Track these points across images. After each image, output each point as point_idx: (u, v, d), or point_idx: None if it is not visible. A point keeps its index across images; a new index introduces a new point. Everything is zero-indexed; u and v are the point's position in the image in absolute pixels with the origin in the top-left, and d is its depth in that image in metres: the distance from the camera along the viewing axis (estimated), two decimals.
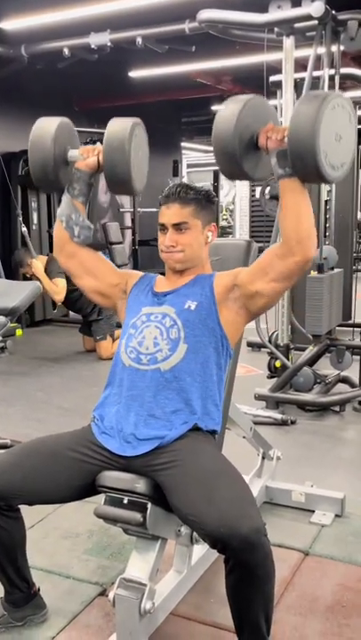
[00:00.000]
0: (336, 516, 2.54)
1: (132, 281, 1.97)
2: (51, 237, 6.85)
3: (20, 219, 6.20)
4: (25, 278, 5.42)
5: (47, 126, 1.89)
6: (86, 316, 5.54)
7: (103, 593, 2.06)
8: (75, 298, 5.32)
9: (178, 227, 1.83)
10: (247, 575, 1.49)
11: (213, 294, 1.83)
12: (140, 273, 2.02)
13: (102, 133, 6.16)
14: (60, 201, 1.98)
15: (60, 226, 1.95)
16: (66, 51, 5.53)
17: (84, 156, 1.90)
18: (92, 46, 5.37)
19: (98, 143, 1.92)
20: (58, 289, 5.20)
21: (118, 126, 1.84)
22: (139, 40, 5.22)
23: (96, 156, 1.89)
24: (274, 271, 1.73)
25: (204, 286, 1.85)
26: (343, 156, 1.68)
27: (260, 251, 2.50)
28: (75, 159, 1.92)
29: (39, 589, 1.94)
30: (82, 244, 1.94)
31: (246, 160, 1.71)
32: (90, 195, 1.96)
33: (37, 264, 5.23)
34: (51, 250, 7.05)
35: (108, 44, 5.31)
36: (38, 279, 5.04)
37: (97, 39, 5.32)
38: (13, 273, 5.85)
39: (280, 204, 1.72)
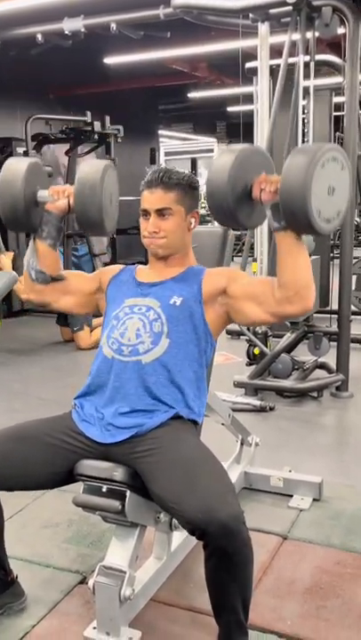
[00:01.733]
0: (314, 500, 2.57)
1: (108, 276, 1.96)
2: None
3: None
4: None
5: (17, 167, 1.88)
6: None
7: (83, 581, 2.06)
8: None
9: (161, 212, 1.81)
10: (225, 561, 1.50)
11: (201, 293, 1.82)
12: (118, 266, 2.00)
13: (77, 121, 6.18)
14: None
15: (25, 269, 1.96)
16: (39, 37, 5.44)
17: (54, 198, 1.89)
18: (66, 32, 5.29)
19: (67, 185, 1.93)
20: (23, 287, 5.13)
21: (90, 169, 1.85)
22: (113, 26, 5.15)
23: (66, 198, 1.88)
24: (267, 307, 1.74)
25: (193, 284, 1.83)
26: (338, 206, 1.67)
27: (238, 238, 2.50)
28: (44, 200, 1.91)
29: (17, 577, 1.93)
30: (41, 284, 1.94)
31: (240, 211, 1.71)
32: (60, 238, 1.97)
33: (6, 261, 5.12)
34: (28, 240, 6.99)
35: (82, 29, 5.23)
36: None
37: (70, 25, 5.24)
38: None
39: (277, 256, 1.71)
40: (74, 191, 1.85)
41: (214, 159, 1.74)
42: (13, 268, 5.15)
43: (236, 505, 1.50)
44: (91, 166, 1.86)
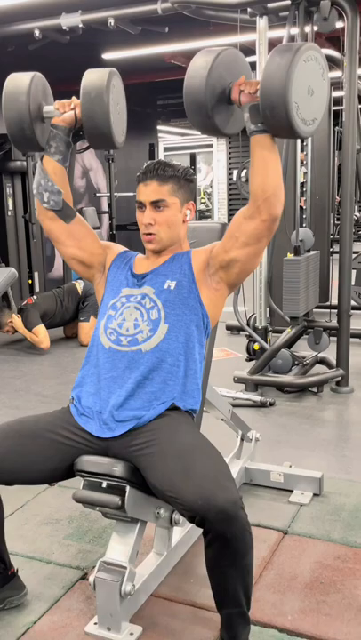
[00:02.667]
0: (314, 495, 2.57)
1: (112, 256, 1.96)
2: (26, 223, 6.77)
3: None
4: None
5: (20, 81, 1.82)
6: (71, 319, 5.54)
7: (84, 577, 2.07)
8: (52, 322, 5.36)
9: (156, 204, 1.82)
10: (225, 548, 1.51)
11: (192, 272, 1.83)
12: (121, 248, 2.00)
13: None
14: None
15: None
16: (37, 32, 5.42)
17: (60, 111, 1.85)
18: (64, 27, 5.27)
19: (73, 97, 1.87)
20: (39, 339, 5.19)
21: (95, 76, 1.78)
22: (111, 21, 5.13)
23: (72, 109, 1.84)
24: (243, 234, 1.74)
25: (183, 264, 1.85)
26: (315, 111, 1.67)
27: None
28: (50, 115, 1.86)
29: (17, 571, 1.94)
30: (51, 209, 1.87)
31: (218, 114, 1.70)
32: (69, 154, 1.89)
33: (18, 321, 5.18)
34: (27, 237, 6.98)
35: (80, 25, 5.21)
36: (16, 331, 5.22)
37: (68, 20, 5.21)
38: None
39: (250, 163, 1.71)
40: (80, 101, 1.81)
41: (192, 61, 1.70)
42: (24, 324, 5.20)
43: (233, 490, 1.51)
44: (95, 73, 1.80)
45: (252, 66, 4.25)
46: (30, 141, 1.86)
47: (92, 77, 1.79)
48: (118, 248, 2.00)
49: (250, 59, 4.70)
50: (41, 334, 5.18)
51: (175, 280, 1.82)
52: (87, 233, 1.95)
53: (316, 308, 4.59)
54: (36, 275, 7.20)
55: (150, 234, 1.84)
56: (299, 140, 4.09)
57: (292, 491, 2.60)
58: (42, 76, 1.90)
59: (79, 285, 5.57)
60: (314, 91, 1.65)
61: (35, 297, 5.56)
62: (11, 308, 5.25)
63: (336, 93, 5.37)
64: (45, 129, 1.87)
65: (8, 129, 1.84)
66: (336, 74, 4.95)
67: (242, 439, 2.68)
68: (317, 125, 1.70)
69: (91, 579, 1.74)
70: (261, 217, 1.70)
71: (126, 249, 2.00)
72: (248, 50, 4.43)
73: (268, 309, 4.23)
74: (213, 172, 13.30)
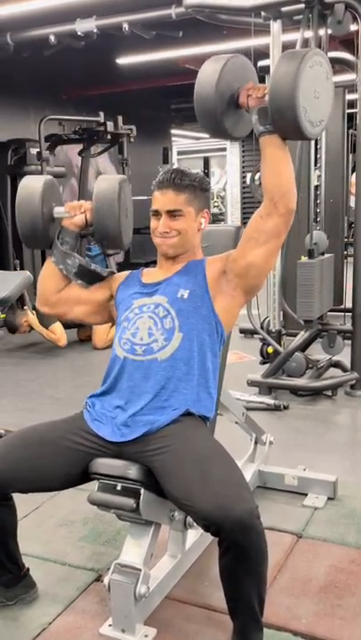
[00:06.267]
0: (329, 498, 2.56)
1: (117, 282, 1.99)
2: None
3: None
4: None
5: (34, 186, 1.94)
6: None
7: (99, 579, 2.08)
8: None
9: (172, 213, 1.83)
10: (241, 557, 1.51)
11: (206, 281, 1.84)
12: (125, 273, 2.03)
13: (90, 121, 6.21)
14: None
15: (41, 281, 2.00)
16: (52, 38, 5.46)
17: (71, 214, 1.94)
18: (79, 33, 5.30)
19: (82, 201, 1.98)
20: (57, 336, 5.21)
21: (106, 185, 1.91)
22: (125, 26, 5.15)
23: (83, 213, 1.93)
24: (263, 233, 1.75)
25: (197, 274, 1.85)
26: (321, 113, 1.72)
27: None
28: (61, 216, 1.96)
29: (28, 569, 1.96)
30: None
31: (227, 118, 1.76)
32: (67, 261, 1.96)
33: (33, 319, 5.18)
34: None
35: (95, 30, 5.24)
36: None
37: (83, 26, 5.25)
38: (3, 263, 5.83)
39: (261, 162, 1.75)
40: (91, 207, 1.92)
41: (202, 68, 1.78)
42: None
43: (250, 500, 1.51)
44: (107, 182, 1.92)
45: (266, 69, 4.27)
46: (42, 242, 1.99)
47: (104, 187, 1.92)
48: (122, 275, 2.03)
49: (264, 62, 4.72)
50: (58, 332, 5.20)
51: (188, 289, 1.83)
52: (85, 292, 2.00)
53: (330, 311, 4.57)
54: None
55: (168, 236, 1.84)
56: (313, 143, 4.08)
57: (306, 494, 2.59)
58: (52, 179, 2.01)
59: None
60: (319, 93, 1.71)
61: None
62: (26, 306, 5.24)
63: (350, 96, 5.36)
64: (55, 228, 1.97)
65: (21, 230, 1.96)
66: (350, 76, 4.95)
67: (256, 442, 2.67)
68: (324, 126, 1.76)
69: (105, 580, 1.75)
70: (279, 212, 1.72)
71: (130, 272, 2.03)
72: (262, 53, 4.44)
73: (281, 312, 4.22)
74: (227, 175, 13.30)
